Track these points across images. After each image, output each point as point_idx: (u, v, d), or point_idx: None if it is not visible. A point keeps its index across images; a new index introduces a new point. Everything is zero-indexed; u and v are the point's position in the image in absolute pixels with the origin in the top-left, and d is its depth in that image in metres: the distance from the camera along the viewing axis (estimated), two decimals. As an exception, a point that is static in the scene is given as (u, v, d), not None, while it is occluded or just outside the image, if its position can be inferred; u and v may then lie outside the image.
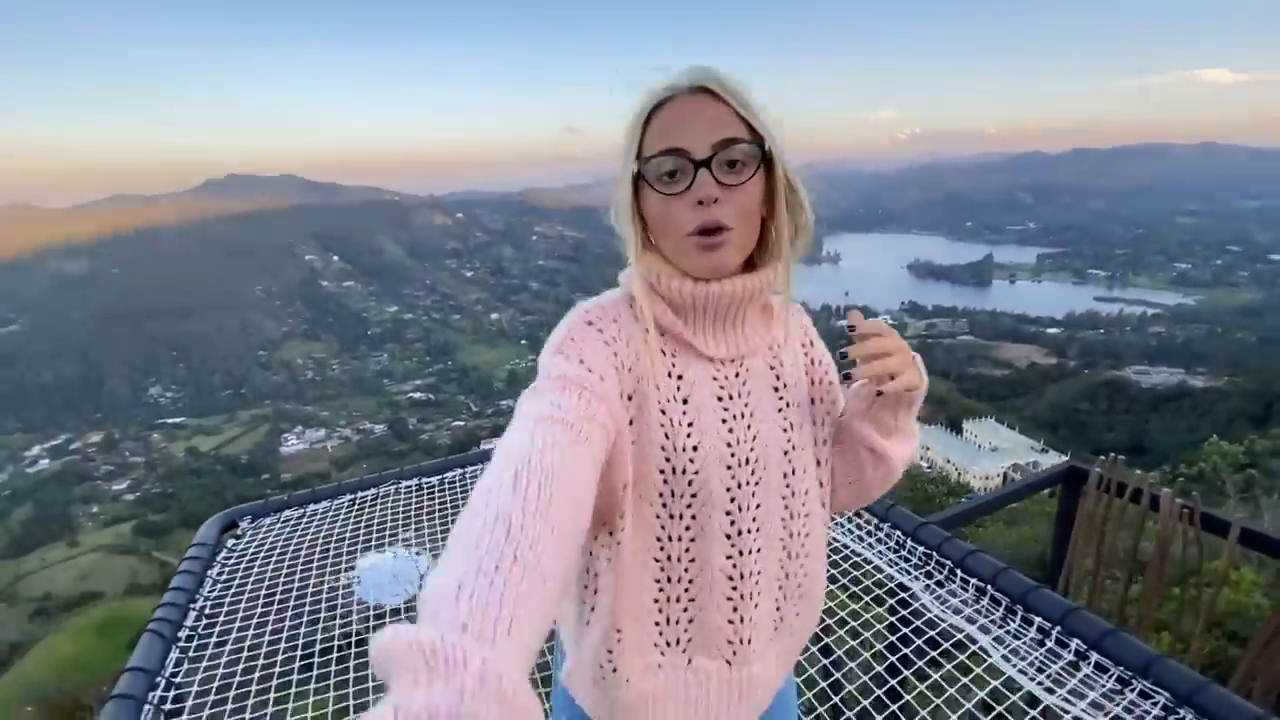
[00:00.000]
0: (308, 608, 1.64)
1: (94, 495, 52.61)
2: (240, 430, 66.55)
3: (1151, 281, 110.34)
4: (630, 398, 0.68)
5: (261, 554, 1.76)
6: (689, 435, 0.70)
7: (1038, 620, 1.24)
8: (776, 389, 0.77)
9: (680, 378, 0.72)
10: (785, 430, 0.76)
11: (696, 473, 0.70)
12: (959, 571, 1.39)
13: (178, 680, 1.30)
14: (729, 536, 0.73)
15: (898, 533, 1.59)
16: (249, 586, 1.62)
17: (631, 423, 0.68)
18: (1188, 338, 74.10)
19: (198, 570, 1.61)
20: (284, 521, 1.92)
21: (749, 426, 0.74)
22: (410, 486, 2.08)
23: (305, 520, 1.95)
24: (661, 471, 0.69)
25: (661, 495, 0.71)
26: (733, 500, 0.72)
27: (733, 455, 0.72)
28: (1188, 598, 1.64)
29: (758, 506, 0.74)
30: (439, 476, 2.13)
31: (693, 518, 0.71)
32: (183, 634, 1.41)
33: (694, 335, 0.72)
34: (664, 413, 0.69)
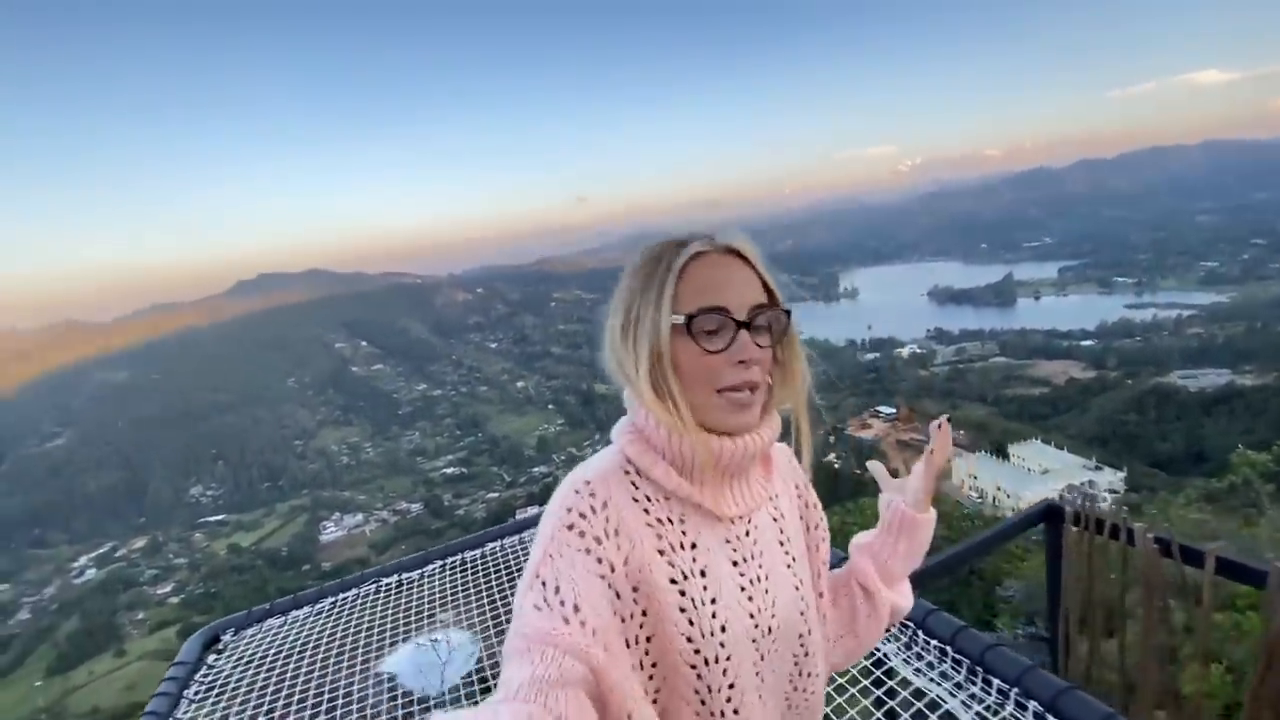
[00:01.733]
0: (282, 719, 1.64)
1: (139, 601, 53.03)
2: (279, 522, 67.18)
3: (1180, 283, 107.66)
4: (636, 590, 0.64)
5: (239, 668, 1.77)
6: (714, 615, 0.66)
7: (996, 681, 1.22)
8: (782, 543, 0.75)
9: (694, 546, 0.68)
10: (797, 588, 0.74)
11: (729, 659, 0.66)
12: (920, 632, 1.35)
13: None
14: (738, 711, 0.68)
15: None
16: (223, 705, 1.63)
17: (645, 614, 0.64)
18: (1228, 336, 71.45)
19: (174, 691, 1.63)
20: (265, 631, 1.94)
21: (767, 591, 0.71)
22: (381, 586, 2.10)
23: (287, 627, 1.96)
24: (693, 667, 0.65)
25: (698, 693, 0.66)
26: (758, 675, 0.69)
27: (756, 627, 0.69)
28: (1179, 643, 1.55)
29: (772, 672, 0.71)
30: (418, 571, 2.15)
31: (735, 712, 0.67)
32: (152, 760, 1.42)
33: (704, 495, 0.69)
34: (683, 593, 0.65)
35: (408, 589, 2.10)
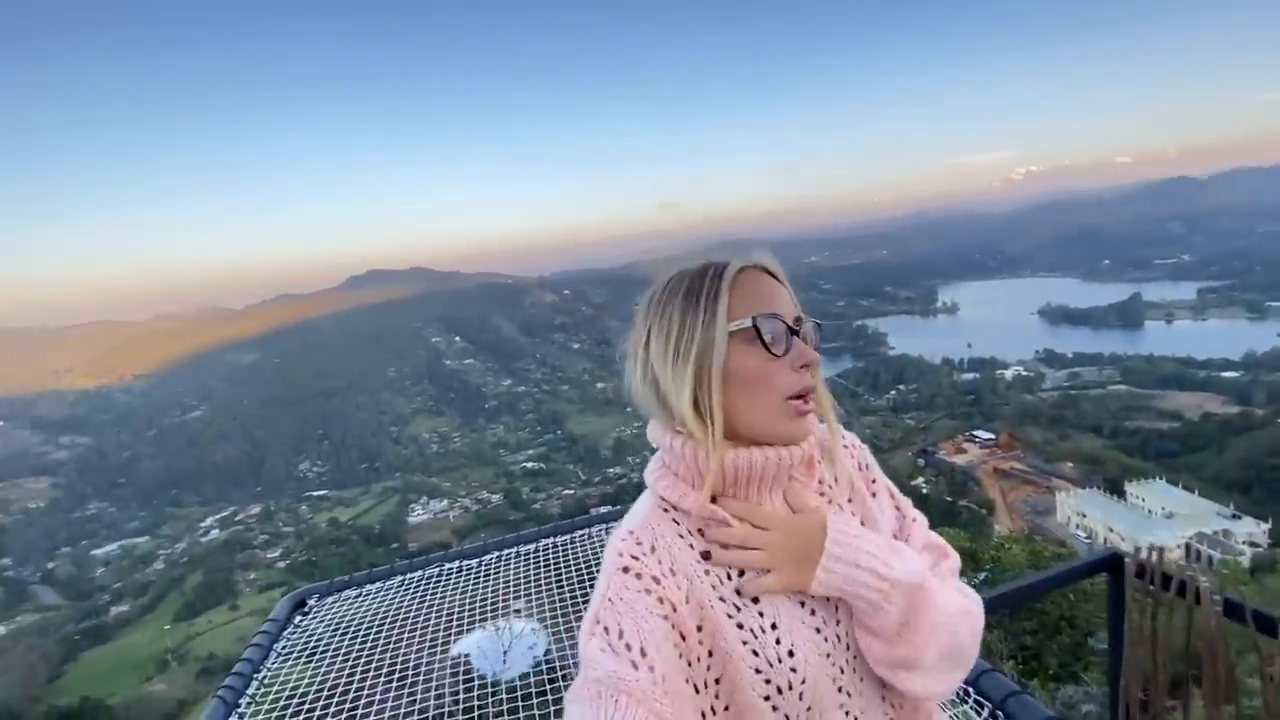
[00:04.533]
0: (356, 681, 1.83)
1: (252, 562, 58.44)
2: (374, 501, 72.00)
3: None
4: (700, 629, 0.63)
5: (322, 631, 2.00)
6: (778, 641, 0.64)
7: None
8: None
9: (742, 574, 0.66)
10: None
11: (804, 682, 0.63)
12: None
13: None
14: None
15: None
16: (305, 661, 1.86)
17: (711, 653, 0.62)
18: (1407, 374, 61.35)
19: (265, 644, 1.87)
20: (344, 600, 2.17)
21: (828, 599, 0.68)
22: (461, 568, 2.28)
23: (363, 598, 2.19)
24: (767, 698, 0.63)
25: None
26: (840, 690, 0.66)
27: (825, 639, 0.67)
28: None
29: (862, 680, 0.68)
30: (495, 555, 2.31)
31: None
32: (243, 701, 1.65)
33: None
34: (740, 626, 0.64)
35: (483, 573, 2.24)
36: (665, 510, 0.69)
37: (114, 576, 62.94)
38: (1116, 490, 41.23)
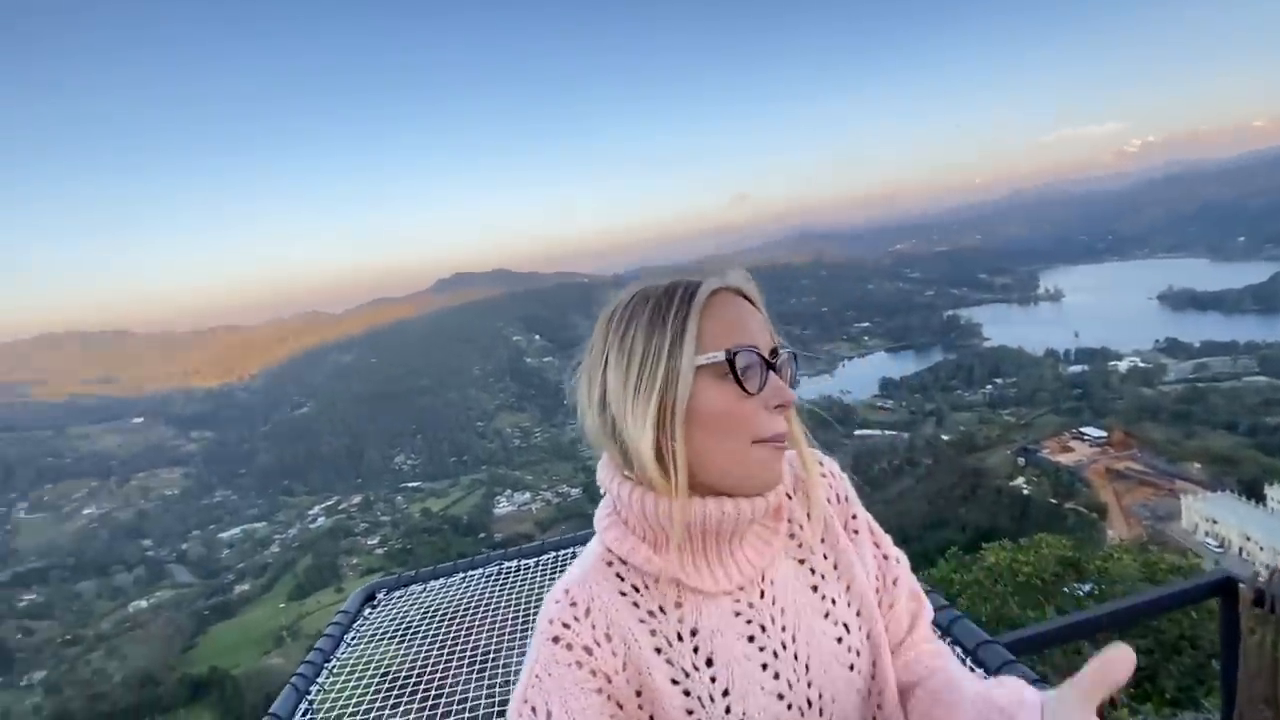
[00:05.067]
0: (419, 671, 1.92)
1: (354, 549, 62.84)
2: (462, 493, 75.58)
3: None
4: (640, 694, 0.58)
5: (388, 621, 2.11)
6: (728, 710, 0.58)
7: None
8: (815, 587, 0.66)
9: (694, 633, 0.60)
10: (840, 639, 0.64)
11: None
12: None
13: (303, 728, 1.63)
14: None
15: (958, 649, 1.43)
16: (372, 651, 1.96)
17: (652, 718, 0.59)
18: None
19: (337, 634, 1.98)
20: (410, 595, 2.27)
21: (797, 656, 0.62)
22: (513, 567, 2.33)
23: (428, 594, 2.28)
24: None
25: None
26: None
27: (789, 707, 0.60)
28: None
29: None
30: (553, 553, 2.35)
31: None
32: (314, 689, 1.76)
33: (697, 574, 0.61)
34: (687, 693, 0.58)
35: (543, 571, 2.28)
36: (609, 564, 0.63)
37: (237, 558, 69.59)
38: (1254, 494, 36.86)
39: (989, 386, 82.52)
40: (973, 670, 1.35)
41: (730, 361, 0.58)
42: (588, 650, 0.58)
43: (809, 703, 0.61)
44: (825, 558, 0.68)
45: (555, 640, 0.58)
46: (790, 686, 0.60)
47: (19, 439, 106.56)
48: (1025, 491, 49.19)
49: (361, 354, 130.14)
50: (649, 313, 0.61)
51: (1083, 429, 61.39)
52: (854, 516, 0.71)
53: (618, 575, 0.62)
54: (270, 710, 1.57)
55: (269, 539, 72.88)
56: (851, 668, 0.63)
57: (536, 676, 0.57)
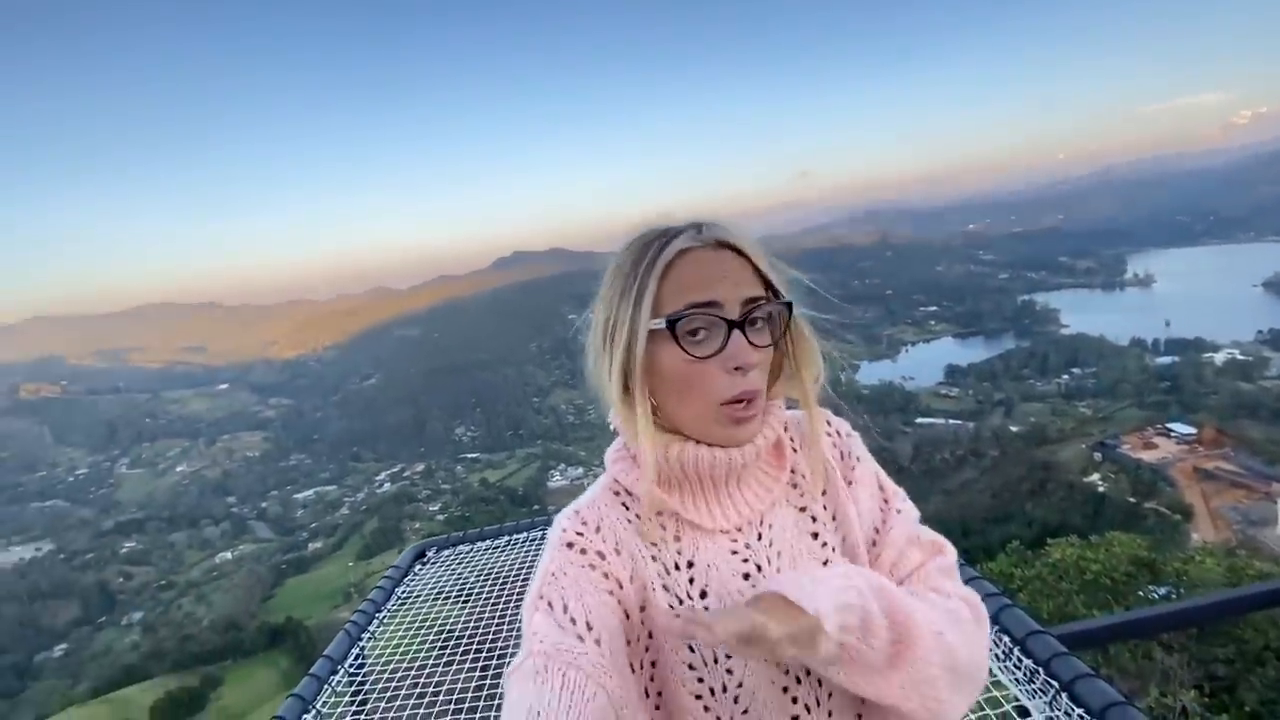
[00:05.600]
0: (463, 626, 1.99)
1: (417, 514, 65.86)
2: (518, 465, 77.82)
3: None
4: (643, 609, 0.61)
5: (436, 578, 2.19)
6: None
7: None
8: (816, 534, 0.67)
9: (690, 565, 0.63)
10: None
11: (740, 685, 0.59)
12: (1064, 696, 1.17)
13: (354, 671, 1.72)
14: None
15: (1006, 638, 1.35)
16: (418, 606, 2.05)
17: (651, 636, 0.60)
18: None
19: (388, 587, 2.08)
20: (459, 554, 2.35)
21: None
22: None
23: (475, 554, 2.36)
24: (699, 697, 0.59)
25: None
26: (795, 701, 0.62)
27: None
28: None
29: (830, 696, 0.63)
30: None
31: None
32: (365, 636, 1.85)
33: (696, 510, 0.64)
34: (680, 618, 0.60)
35: None
36: (616, 493, 0.66)
37: (311, 518, 74.17)
38: (1370, 502, 33.57)
39: (1065, 377, 77.91)
40: (1020, 662, 1.30)
41: (671, 327, 0.59)
42: (601, 555, 0.60)
43: None
44: (825, 508, 0.69)
45: (569, 545, 0.61)
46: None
47: (121, 400, 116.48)
48: (1100, 489, 46.39)
49: (426, 330, 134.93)
50: (627, 269, 0.62)
51: (1169, 425, 57.25)
52: (855, 468, 0.72)
53: (624, 504, 0.65)
54: (325, 653, 1.66)
55: (339, 501, 77.30)
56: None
57: (552, 574, 0.59)
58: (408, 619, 2.01)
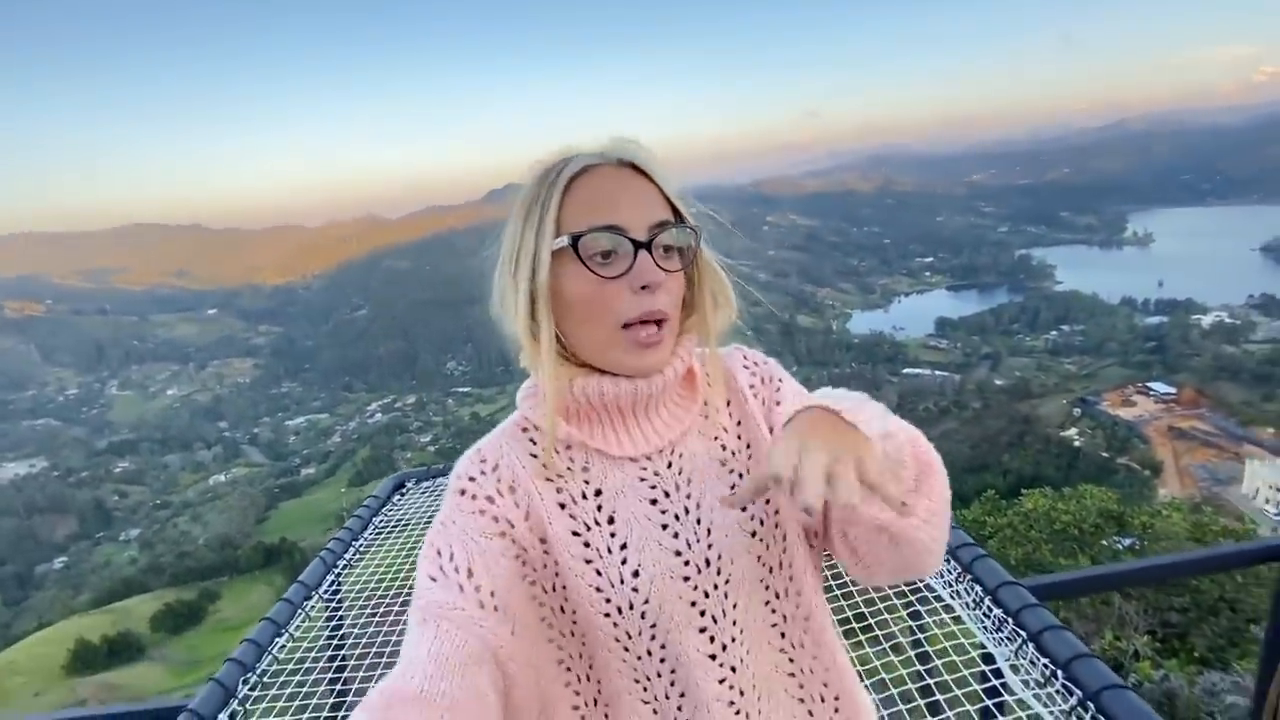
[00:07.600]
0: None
1: (408, 444, 66.87)
2: (509, 401, 77.78)
3: None
4: (544, 541, 0.62)
5: (415, 512, 2.19)
6: (624, 562, 0.62)
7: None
8: (724, 461, 0.68)
9: (599, 493, 0.63)
10: (745, 508, 0.65)
11: (646, 602, 0.61)
12: (1030, 645, 1.19)
13: (329, 598, 1.73)
14: (714, 656, 0.63)
15: (978, 588, 1.36)
16: (395, 536, 2.05)
17: (558, 562, 0.62)
18: None
19: (366, 517, 2.07)
20: (438, 486, 2.35)
21: (699, 521, 0.64)
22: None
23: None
24: (607, 615, 0.61)
25: (619, 640, 0.62)
26: (703, 614, 0.63)
27: (687, 563, 0.63)
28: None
29: (735, 607, 0.64)
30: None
31: (662, 648, 0.62)
32: (341, 563, 1.86)
33: (604, 439, 0.64)
34: (587, 544, 0.62)
35: None
36: (525, 430, 0.66)
37: (302, 444, 75.16)
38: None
39: (1054, 333, 78.55)
40: (989, 611, 1.30)
41: (575, 245, 0.58)
42: (490, 499, 0.61)
43: (707, 562, 0.63)
44: (739, 438, 0.69)
45: (461, 493, 0.62)
46: (689, 546, 0.63)
47: (108, 322, 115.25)
48: (1076, 443, 47.64)
49: (417, 262, 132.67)
50: (529, 194, 0.62)
51: (1150, 384, 58.28)
52: (779, 389, 0.72)
53: (531, 439, 0.65)
54: (299, 579, 1.66)
55: (331, 429, 78.09)
56: (754, 534, 0.65)
57: (442, 523, 0.61)
58: (385, 548, 2.01)
